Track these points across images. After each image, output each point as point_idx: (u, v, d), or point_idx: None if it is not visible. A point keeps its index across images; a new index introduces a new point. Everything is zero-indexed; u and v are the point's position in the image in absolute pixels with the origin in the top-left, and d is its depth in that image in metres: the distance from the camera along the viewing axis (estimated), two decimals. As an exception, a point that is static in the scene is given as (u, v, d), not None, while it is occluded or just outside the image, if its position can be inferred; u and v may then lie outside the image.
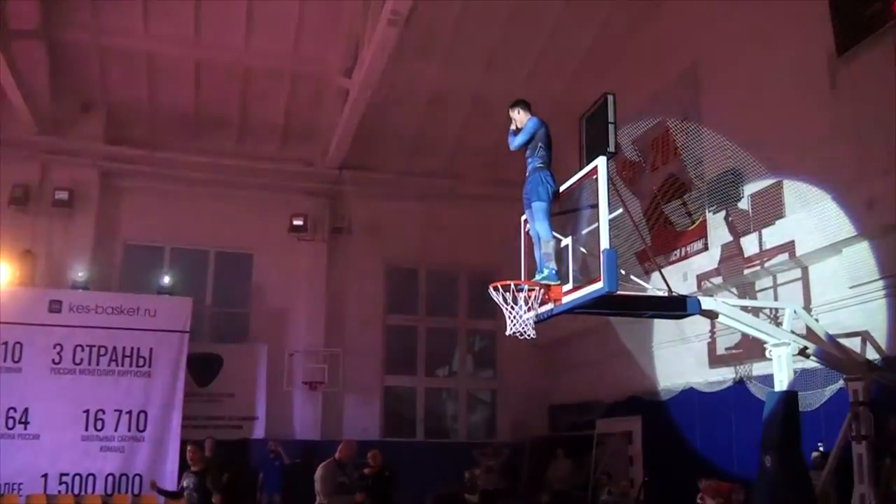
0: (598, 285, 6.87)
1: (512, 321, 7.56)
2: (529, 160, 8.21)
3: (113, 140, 17.33)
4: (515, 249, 9.00)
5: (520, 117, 8.40)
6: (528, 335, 7.60)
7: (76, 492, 14.85)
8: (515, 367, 19.01)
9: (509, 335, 7.75)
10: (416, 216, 18.50)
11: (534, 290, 7.55)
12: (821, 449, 10.01)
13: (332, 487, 11.10)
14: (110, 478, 15.08)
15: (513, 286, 7.46)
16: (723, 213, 12.70)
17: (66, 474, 14.91)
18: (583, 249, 7.54)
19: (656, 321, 14.00)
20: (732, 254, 12.00)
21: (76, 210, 16.75)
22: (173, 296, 16.42)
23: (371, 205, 18.65)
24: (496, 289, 7.58)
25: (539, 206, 7.80)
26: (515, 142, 8.38)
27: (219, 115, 17.68)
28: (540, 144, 8.07)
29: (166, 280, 16.58)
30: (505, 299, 7.50)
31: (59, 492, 14.76)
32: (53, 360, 15.17)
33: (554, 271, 7.66)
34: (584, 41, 16.03)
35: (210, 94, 17.20)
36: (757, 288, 11.87)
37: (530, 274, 8.22)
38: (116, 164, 17.40)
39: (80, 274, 15.95)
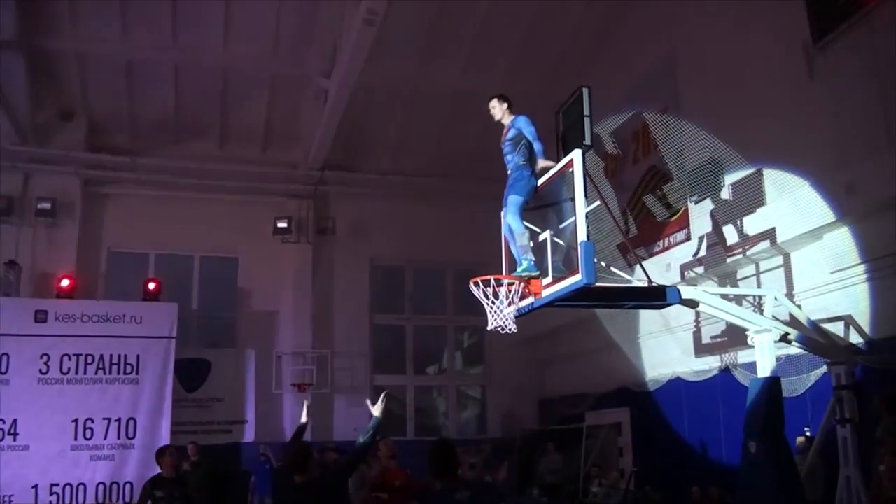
0: (577, 278, 6.89)
1: (493, 316, 7.57)
2: (510, 156, 8.13)
3: (94, 148, 17.27)
4: (500, 246, 9.01)
5: (500, 109, 8.33)
6: (510, 329, 7.61)
7: (67, 502, 14.76)
8: (504, 363, 19.04)
9: (491, 330, 7.75)
10: (401, 215, 18.50)
11: (514, 284, 7.56)
12: (807, 433, 10.08)
13: None
14: (101, 487, 15.02)
15: (493, 281, 7.47)
16: (704, 202, 12.76)
17: (57, 485, 14.81)
18: (560, 242, 7.54)
19: (642, 312, 14.05)
20: (714, 243, 12.06)
21: (60, 219, 16.67)
22: (159, 302, 16.37)
23: (355, 205, 18.66)
24: (476, 284, 7.59)
25: (514, 200, 7.75)
26: (537, 147, 8.05)
27: (199, 119, 17.64)
28: (523, 142, 7.99)
29: (151, 286, 16.51)
30: (486, 294, 7.51)
31: (51, 502, 14.68)
32: (41, 371, 15.09)
33: (532, 262, 7.66)
34: (562, 36, 16.06)
35: (190, 99, 17.15)
36: (740, 276, 11.94)
37: (511, 269, 8.23)
38: (99, 172, 17.34)
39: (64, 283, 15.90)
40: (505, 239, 8.27)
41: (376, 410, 6.86)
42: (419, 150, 18.59)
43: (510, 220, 7.78)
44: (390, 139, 18.37)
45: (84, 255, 16.95)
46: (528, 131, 7.93)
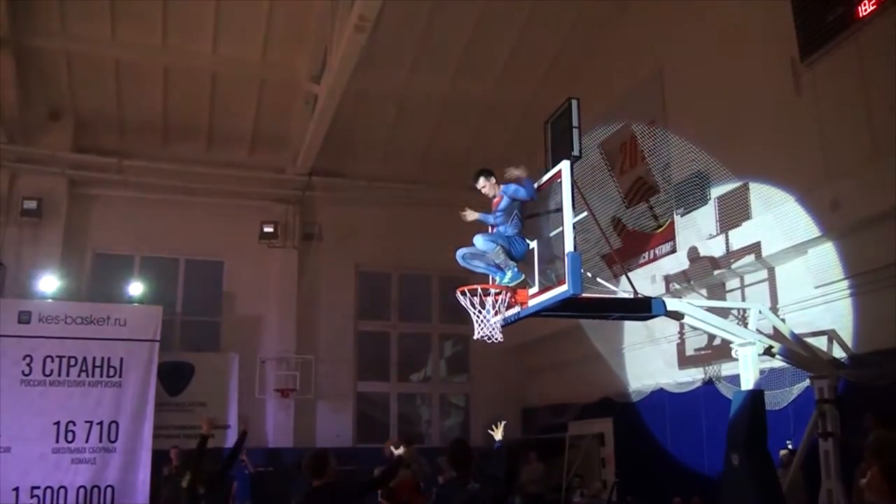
0: (564, 288, 6.92)
1: (479, 325, 7.59)
2: (502, 228, 7.93)
3: (81, 148, 17.19)
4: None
5: (489, 185, 8.03)
6: (496, 339, 7.64)
7: (48, 504, 14.71)
8: (489, 371, 19.06)
9: (477, 339, 7.77)
10: (388, 221, 18.52)
11: (500, 293, 7.58)
12: (789, 447, 10.14)
13: None
14: (82, 490, 14.92)
15: (479, 290, 7.49)
16: (690, 215, 12.84)
17: (38, 487, 14.72)
18: (547, 252, 7.57)
19: (626, 324, 14.11)
20: (700, 256, 12.13)
21: (45, 219, 16.58)
22: (143, 305, 16.31)
23: (342, 211, 18.67)
24: (463, 293, 7.61)
25: (492, 244, 7.73)
26: (485, 243, 7.79)
27: (187, 122, 17.61)
28: (516, 212, 7.89)
29: (136, 289, 16.47)
30: (472, 303, 7.53)
31: (31, 505, 14.62)
32: (23, 372, 15.01)
33: (517, 270, 7.69)
34: (551, 46, 16.15)
35: (178, 102, 17.11)
36: (725, 289, 12.00)
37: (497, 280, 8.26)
38: (85, 173, 17.26)
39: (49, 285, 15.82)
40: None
41: (398, 451, 7.48)
42: (407, 156, 18.63)
43: (480, 244, 7.72)
44: (378, 145, 18.40)
45: (69, 256, 16.86)
46: (521, 193, 7.78)
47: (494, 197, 8.04)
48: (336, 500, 6.48)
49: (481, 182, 8.01)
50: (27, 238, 16.55)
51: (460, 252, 7.94)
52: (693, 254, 12.14)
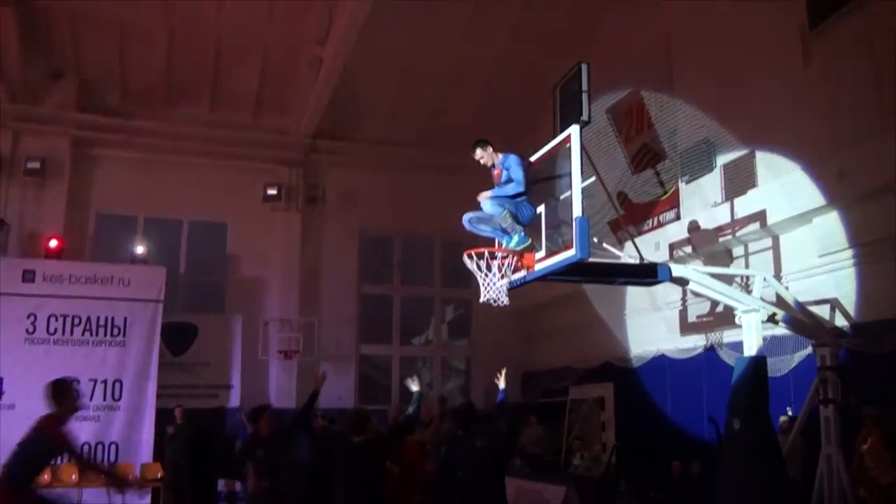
0: (571, 252, 6.94)
1: (486, 288, 7.62)
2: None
3: (85, 108, 17.15)
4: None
5: (487, 154, 7.91)
6: (502, 302, 7.67)
7: (52, 460, 14.81)
8: (490, 336, 19.15)
9: (483, 302, 7.80)
10: (391, 185, 18.50)
11: (507, 257, 7.60)
12: (789, 413, 10.23)
13: None
14: (86, 446, 15.02)
15: (486, 254, 7.51)
16: (695, 182, 12.84)
17: (42, 444, 14.86)
18: (554, 216, 7.57)
19: (629, 290, 14.17)
20: (699, 227, 12.14)
21: (48, 179, 16.59)
22: (147, 265, 16.35)
23: (345, 174, 18.64)
24: (470, 256, 7.62)
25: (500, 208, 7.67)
26: (493, 208, 7.71)
27: (191, 83, 17.53)
28: (512, 177, 7.78)
29: (139, 250, 16.52)
30: (479, 267, 7.55)
31: (35, 461, 14.73)
32: (27, 330, 15.12)
33: (523, 234, 7.70)
34: (557, 12, 15.99)
35: (182, 63, 17.02)
36: (730, 256, 12.02)
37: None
38: (88, 133, 17.21)
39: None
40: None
41: (414, 386, 7.78)
42: (411, 120, 18.55)
43: (487, 208, 7.68)
44: (383, 109, 18.32)
45: (72, 216, 16.88)
46: (516, 175, 7.70)
47: (493, 167, 7.95)
48: (374, 452, 7.06)
49: (478, 153, 7.92)
50: (31, 197, 16.57)
51: (467, 216, 7.94)
52: (693, 225, 12.15)
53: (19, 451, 6.79)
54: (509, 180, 7.73)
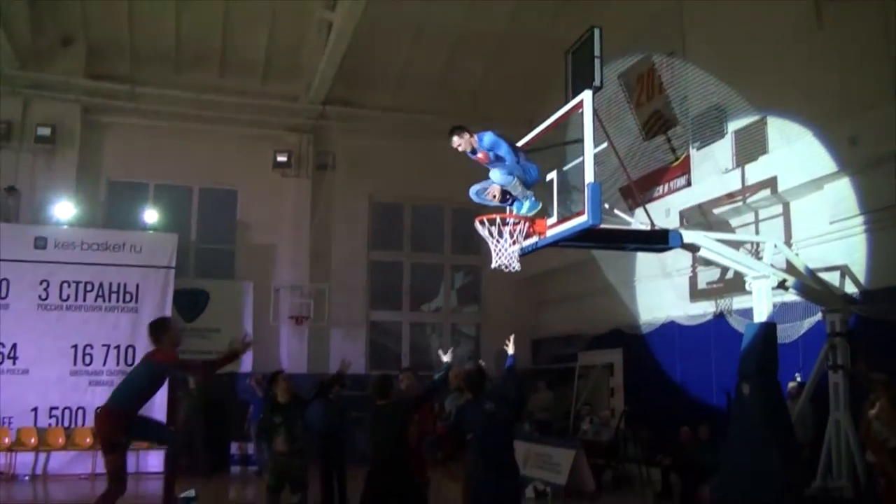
0: (583, 219, 6.96)
1: (497, 254, 7.63)
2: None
3: (94, 75, 17.12)
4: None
5: (465, 141, 7.56)
6: (513, 268, 7.69)
7: (66, 425, 15.06)
8: (499, 302, 19.23)
9: (495, 268, 7.82)
10: (401, 152, 18.48)
11: (518, 223, 7.61)
12: (798, 379, 10.29)
13: None
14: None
15: (498, 220, 7.52)
16: (706, 149, 12.81)
17: (56, 408, 15.10)
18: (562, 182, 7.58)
19: (639, 256, 14.20)
20: (715, 189, 12.13)
21: (59, 146, 16.62)
22: (158, 232, 16.44)
23: (356, 141, 18.60)
24: (482, 223, 7.63)
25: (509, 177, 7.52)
26: (503, 177, 7.52)
27: (200, 49, 17.45)
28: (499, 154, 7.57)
29: (150, 216, 16.58)
30: (490, 233, 7.57)
31: (50, 425, 14.98)
32: (40, 297, 15.25)
33: (534, 199, 7.69)
34: (569, -25, 15.88)
35: (191, 29, 16.94)
36: (739, 223, 12.03)
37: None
38: (98, 100, 17.21)
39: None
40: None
41: (446, 357, 7.99)
42: (422, 86, 18.48)
43: (497, 178, 7.53)
44: (393, 75, 18.25)
45: (83, 184, 16.92)
46: (501, 150, 7.47)
47: (475, 153, 7.64)
48: (397, 414, 7.27)
49: (455, 141, 7.55)
50: (42, 165, 16.62)
51: (474, 188, 7.87)
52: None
53: (128, 381, 7.39)
54: (497, 158, 7.52)
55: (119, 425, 7.05)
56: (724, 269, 11.88)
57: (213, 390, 15.62)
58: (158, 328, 7.56)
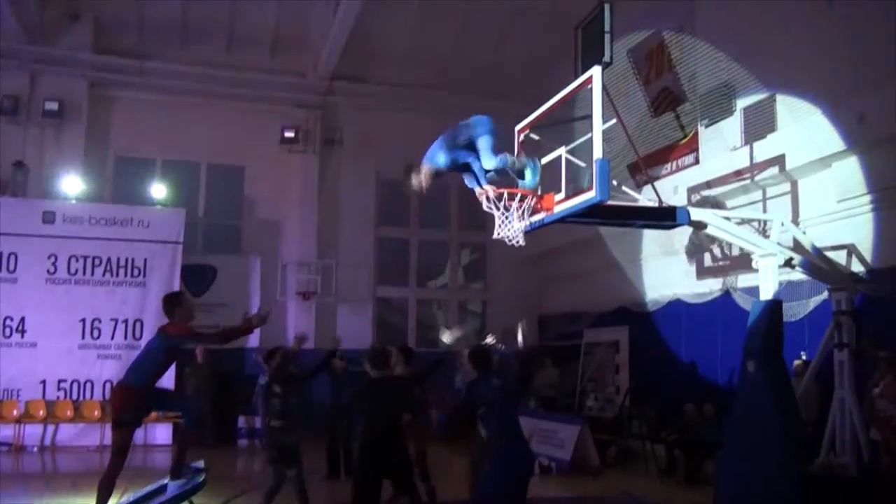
0: (591, 194, 6.96)
1: (501, 225, 7.58)
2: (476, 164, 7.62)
3: (102, 50, 17.11)
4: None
5: (421, 178, 7.43)
6: (517, 242, 7.65)
7: (74, 397, 15.21)
8: (506, 279, 19.26)
9: (497, 239, 7.74)
10: (409, 128, 18.30)
11: (526, 198, 7.59)
12: (803, 357, 10.31)
13: None
14: (108, 384, 15.37)
15: (505, 194, 7.51)
16: (715, 126, 12.77)
17: (64, 380, 15.25)
18: (575, 160, 7.57)
19: (645, 234, 14.20)
20: (723, 167, 12.11)
21: (66, 121, 16.64)
22: (166, 207, 16.48)
23: (363, 116, 18.58)
24: (488, 198, 7.62)
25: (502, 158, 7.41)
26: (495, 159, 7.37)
27: (207, 24, 17.41)
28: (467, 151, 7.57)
29: (158, 192, 16.62)
30: (496, 205, 7.54)
31: (58, 397, 15.12)
32: (48, 271, 15.35)
33: (533, 164, 7.58)
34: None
35: (198, 3, 16.92)
36: (747, 201, 12.01)
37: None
38: (106, 74, 17.21)
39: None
40: (519, 153, 8.18)
41: (446, 338, 7.86)
42: (430, 62, 18.41)
43: (485, 162, 7.42)
44: (401, 50, 18.18)
45: (91, 159, 16.95)
46: (485, 129, 7.48)
47: (439, 176, 7.61)
48: (394, 390, 7.27)
49: (414, 182, 7.51)
50: (49, 139, 16.65)
51: (467, 180, 7.83)
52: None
53: (144, 356, 7.39)
54: (471, 147, 7.54)
55: (133, 402, 7.09)
56: (731, 248, 11.90)
57: (221, 364, 15.76)
58: (172, 302, 7.59)
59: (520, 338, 7.47)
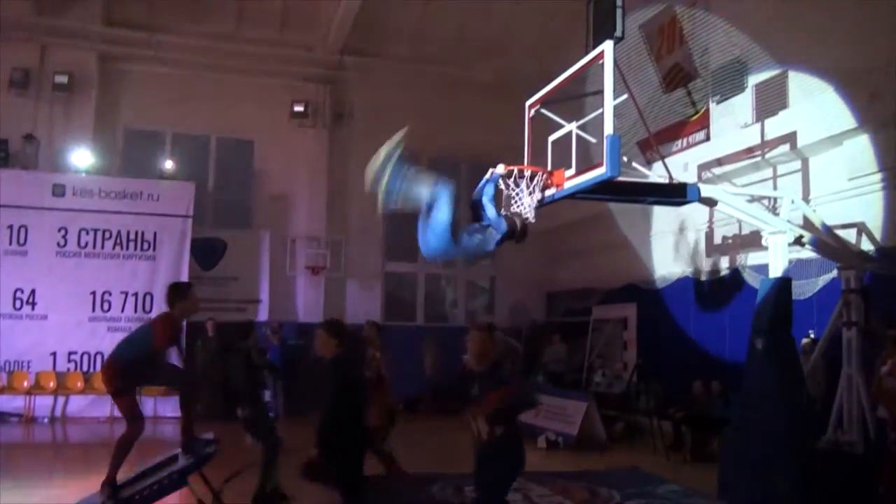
0: (601, 170, 6.95)
1: (514, 204, 7.59)
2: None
3: (112, 22, 17.06)
4: (518, 139, 9.02)
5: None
6: (529, 219, 7.65)
7: (84, 369, 15.32)
8: (514, 255, 19.12)
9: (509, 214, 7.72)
10: (419, 103, 18.31)
11: (536, 175, 7.59)
12: (811, 336, 10.31)
13: None
14: (119, 357, 15.51)
15: (515, 171, 7.52)
16: (726, 103, 12.71)
17: (75, 353, 15.36)
18: (586, 135, 7.56)
19: (655, 211, 14.19)
20: (734, 144, 12.06)
21: (76, 94, 16.63)
22: (176, 181, 16.52)
23: (373, 92, 18.48)
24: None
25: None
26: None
27: (217, -3, 17.37)
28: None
29: (168, 165, 16.66)
30: (506, 184, 7.55)
31: (69, 369, 15.23)
32: (58, 244, 15.41)
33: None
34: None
35: (208, -24, 16.88)
36: (757, 178, 11.97)
37: (533, 160, 8.26)
38: (115, 47, 17.17)
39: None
40: (530, 130, 8.17)
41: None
42: (439, 38, 18.31)
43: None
44: (410, 25, 18.09)
45: (101, 132, 16.95)
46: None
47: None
48: (350, 366, 6.64)
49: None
50: (59, 112, 16.65)
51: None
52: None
53: (128, 340, 7.31)
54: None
55: (115, 376, 7.04)
56: (741, 225, 11.87)
57: (230, 337, 15.81)
58: (176, 292, 7.29)
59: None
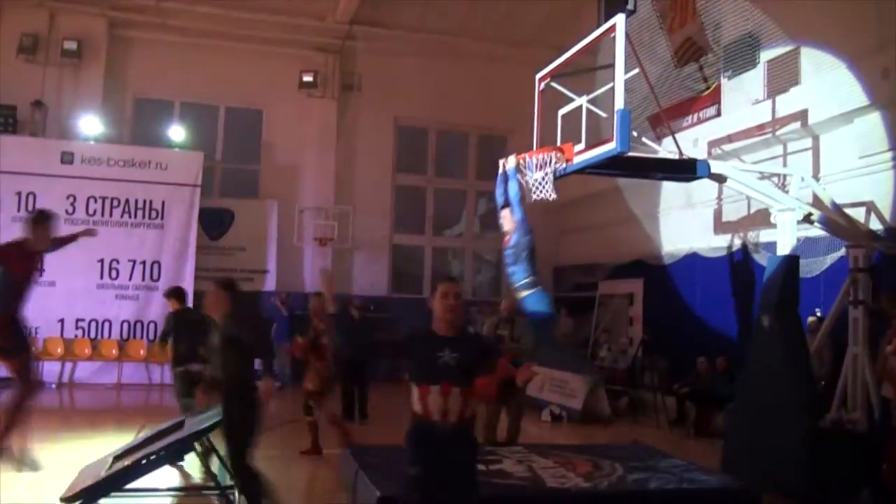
0: (611, 145, 6.92)
1: (534, 190, 7.61)
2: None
3: (120, -12, 17.01)
4: (527, 112, 8.97)
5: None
6: (550, 198, 7.64)
7: (92, 336, 15.45)
8: (522, 230, 19.20)
9: (534, 202, 7.79)
10: (428, 75, 18.31)
11: (543, 154, 7.56)
12: (818, 314, 10.31)
13: None
14: (125, 324, 15.67)
15: (526, 158, 7.54)
16: (737, 78, 12.62)
17: (83, 319, 15.48)
18: (596, 110, 7.53)
19: (664, 187, 14.15)
20: (745, 120, 11.99)
21: (85, 61, 16.57)
22: (184, 150, 16.51)
23: (382, 62, 18.43)
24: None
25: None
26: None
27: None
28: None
29: (177, 134, 16.64)
30: (521, 170, 7.58)
31: (76, 336, 15.33)
32: (67, 211, 15.36)
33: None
34: None
35: (218, -57, 16.74)
36: (767, 156, 11.92)
37: (542, 139, 8.23)
38: (125, 14, 17.08)
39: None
40: (540, 104, 8.15)
41: None
42: (449, 8, 18.13)
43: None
44: (421, -5, 17.99)
45: (109, 100, 16.91)
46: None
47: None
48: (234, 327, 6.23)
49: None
50: (68, 79, 16.60)
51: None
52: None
53: None
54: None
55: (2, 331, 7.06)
56: (750, 202, 11.82)
57: (243, 307, 15.84)
58: (33, 220, 7.55)
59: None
